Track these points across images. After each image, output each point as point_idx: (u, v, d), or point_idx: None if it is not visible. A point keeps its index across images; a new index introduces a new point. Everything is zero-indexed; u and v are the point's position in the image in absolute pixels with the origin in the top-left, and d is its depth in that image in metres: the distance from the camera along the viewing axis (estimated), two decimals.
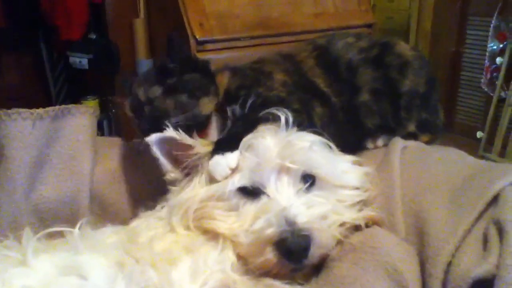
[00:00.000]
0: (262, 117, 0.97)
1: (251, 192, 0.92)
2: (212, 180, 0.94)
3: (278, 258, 0.86)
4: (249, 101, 0.99)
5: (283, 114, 0.96)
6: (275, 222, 0.86)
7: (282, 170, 0.92)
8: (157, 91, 1.01)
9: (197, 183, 0.97)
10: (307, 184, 0.94)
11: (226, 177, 0.92)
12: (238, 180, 0.91)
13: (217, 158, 0.92)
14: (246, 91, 1.03)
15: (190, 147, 0.98)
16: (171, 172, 1.00)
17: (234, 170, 0.92)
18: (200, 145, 0.98)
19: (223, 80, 1.08)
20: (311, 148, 0.94)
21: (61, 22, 2.88)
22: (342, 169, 1.00)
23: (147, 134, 0.99)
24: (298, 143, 0.93)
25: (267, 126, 0.97)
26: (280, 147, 0.92)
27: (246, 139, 0.93)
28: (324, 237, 0.88)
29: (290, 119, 0.96)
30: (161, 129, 0.97)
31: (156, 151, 0.97)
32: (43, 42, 3.47)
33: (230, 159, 0.92)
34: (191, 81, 1.03)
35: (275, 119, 0.97)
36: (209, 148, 0.97)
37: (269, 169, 0.91)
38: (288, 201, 0.89)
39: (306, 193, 0.93)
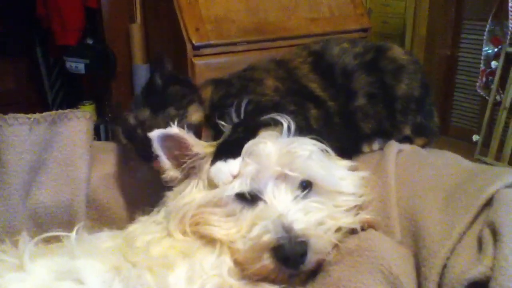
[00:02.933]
0: (262, 122, 0.97)
1: (249, 198, 0.92)
2: (211, 184, 0.94)
3: (275, 264, 0.86)
4: (243, 107, 0.99)
5: (286, 121, 0.96)
6: (272, 229, 0.86)
7: (280, 177, 0.92)
8: (145, 112, 1.01)
9: (194, 187, 0.97)
10: (305, 192, 0.94)
11: (227, 184, 0.92)
12: (238, 186, 0.91)
13: (220, 165, 0.92)
14: (232, 99, 1.02)
15: (190, 147, 0.97)
16: (170, 171, 0.99)
17: (235, 177, 0.92)
18: (201, 146, 0.98)
19: (207, 93, 1.08)
20: (311, 157, 0.94)
21: (57, 28, 2.89)
22: (339, 176, 1.00)
23: (145, 157, 0.99)
24: (298, 151, 0.93)
25: (269, 132, 0.96)
26: (280, 154, 0.92)
27: (248, 145, 0.93)
28: (321, 243, 0.88)
29: (292, 126, 0.96)
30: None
31: (157, 147, 0.96)
32: (39, 47, 3.47)
33: (232, 166, 0.91)
34: (175, 93, 1.03)
35: (276, 124, 0.97)
36: (209, 150, 0.97)
37: (268, 175, 0.91)
38: (285, 207, 0.89)
39: (303, 200, 0.93)
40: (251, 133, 0.96)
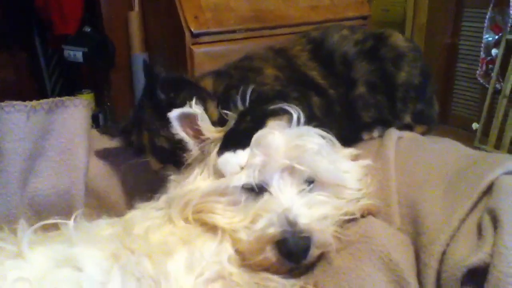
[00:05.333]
0: (271, 112, 0.95)
1: (254, 189, 0.92)
2: (216, 173, 0.93)
3: (277, 257, 0.86)
4: (248, 94, 0.98)
5: (296, 112, 0.95)
6: (277, 222, 0.86)
7: (287, 169, 0.91)
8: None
9: (199, 174, 0.96)
10: (311, 186, 0.93)
11: (234, 174, 0.91)
12: (245, 177, 0.90)
13: (228, 155, 0.90)
14: (235, 90, 1.00)
15: (202, 131, 0.96)
16: (192, 148, 0.97)
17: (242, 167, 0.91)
18: (211, 131, 0.96)
19: (208, 86, 1.06)
20: (319, 152, 0.93)
21: (55, 17, 2.87)
22: (344, 169, 0.99)
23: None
24: (307, 145, 0.92)
25: (277, 122, 0.95)
26: (289, 147, 0.91)
27: (257, 136, 0.92)
28: (324, 238, 0.88)
29: (302, 118, 0.95)
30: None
31: (177, 127, 0.94)
32: (38, 37, 3.45)
33: (241, 157, 0.90)
34: (185, 100, 0.99)
35: (284, 113, 0.95)
36: (217, 135, 0.95)
37: (275, 167, 0.91)
38: (290, 200, 0.89)
39: (308, 193, 0.92)
40: (260, 123, 0.94)
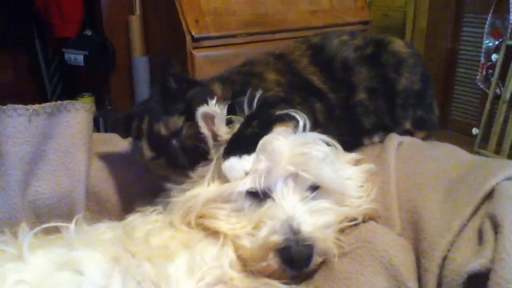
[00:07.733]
0: (277, 117, 0.95)
1: (258, 195, 0.92)
2: (221, 178, 0.93)
3: (279, 265, 0.86)
4: (256, 99, 0.97)
5: (302, 119, 0.95)
6: (280, 230, 0.86)
7: (291, 176, 0.91)
8: (178, 120, 0.97)
9: (202, 178, 0.95)
10: (314, 193, 0.93)
11: (239, 180, 0.91)
12: (249, 183, 0.90)
13: (234, 161, 0.90)
14: (241, 97, 1.00)
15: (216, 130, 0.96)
16: (212, 147, 0.96)
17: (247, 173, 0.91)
18: (223, 132, 0.96)
19: (217, 92, 1.05)
20: (324, 160, 0.93)
21: (56, 20, 2.88)
22: (346, 176, 1.00)
23: (182, 166, 0.97)
24: (312, 152, 0.92)
25: (283, 128, 0.95)
26: (294, 154, 0.91)
27: (263, 142, 0.92)
28: (326, 246, 0.88)
29: (308, 124, 0.95)
30: (199, 155, 0.95)
31: (201, 125, 0.93)
32: (38, 39, 3.46)
33: (246, 163, 0.90)
34: (197, 94, 0.99)
35: (290, 119, 0.95)
36: (226, 137, 0.95)
37: (279, 174, 0.90)
38: (293, 208, 0.89)
39: (311, 201, 0.92)
40: (266, 128, 0.94)
